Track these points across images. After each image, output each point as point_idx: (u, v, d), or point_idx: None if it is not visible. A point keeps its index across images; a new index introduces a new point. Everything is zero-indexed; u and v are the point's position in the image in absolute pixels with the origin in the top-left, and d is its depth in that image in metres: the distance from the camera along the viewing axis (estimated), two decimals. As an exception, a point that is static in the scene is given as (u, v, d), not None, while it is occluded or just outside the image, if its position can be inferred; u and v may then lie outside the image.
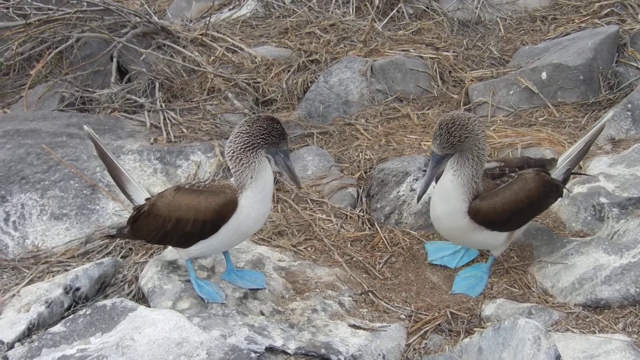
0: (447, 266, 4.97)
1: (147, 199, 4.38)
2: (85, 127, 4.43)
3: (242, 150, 4.03)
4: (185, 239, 4.18)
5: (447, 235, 4.74)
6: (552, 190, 4.65)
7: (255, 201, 4.09)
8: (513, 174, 4.58)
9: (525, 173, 4.58)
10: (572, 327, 4.15)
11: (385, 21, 8.20)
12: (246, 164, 4.03)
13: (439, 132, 4.27)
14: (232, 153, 4.06)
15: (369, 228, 5.32)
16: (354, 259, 4.96)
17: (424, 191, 4.56)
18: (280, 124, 4.10)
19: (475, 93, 6.88)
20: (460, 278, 4.82)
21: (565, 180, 4.84)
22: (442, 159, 4.37)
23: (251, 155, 4.03)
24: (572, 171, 4.85)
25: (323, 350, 3.96)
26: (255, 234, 4.92)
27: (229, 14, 8.83)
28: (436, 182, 4.64)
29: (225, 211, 4.06)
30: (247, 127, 4.04)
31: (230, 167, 4.12)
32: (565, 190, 4.83)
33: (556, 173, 4.74)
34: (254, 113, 6.61)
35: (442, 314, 4.43)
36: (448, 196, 4.46)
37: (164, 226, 4.16)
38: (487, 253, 4.84)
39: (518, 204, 4.46)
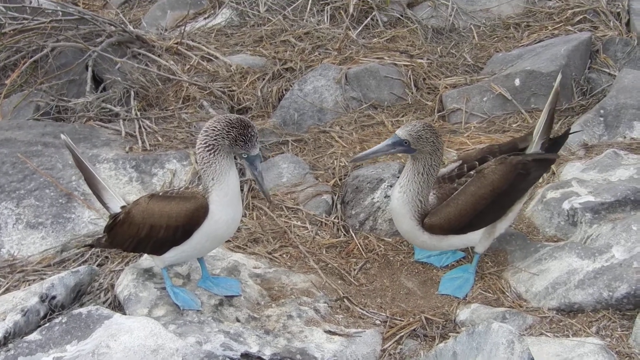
0: (433, 265, 4.98)
1: (122, 207, 4.38)
2: (62, 136, 4.40)
3: (203, 149, 3.99)
4: (158, 246, 4.18)
5: (421, 247, 4.76)
6: (529, 168, 4.55)
7: (222, 205, 4.07)
8: (472, 172, 4.58)
9: (484, 168, 4.55)
10: (546, 331, 4.18)
11: (359, 29, 8.22)
12: (207, 164, 4.00)
13: (414, 122, 4.37)
14: (197, 151, 4.03)
15: (344, 235, 5.33)
16: (329, 265, 4.98)
17: (361, 158, 4.68)
18: (241, 126, 3.93)
19: (449, 100, 6.92)
20: (447, 279, 4.82)
21: (553, 147, 4.71)
22: (398, 143, 4.39)
23: (210, 156, 3.98)
24: (552, 137, 4.70)
25: (298, 356, 3.98)
26: (230, 241, 4.94)
27: (204, 22, 8.83)
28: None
29: (196, 216, 4.06)
30: (206, 128, 3.99)
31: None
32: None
33: (533, 147, 4.65)
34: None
35: (417, 320, 4.46)
36: (398, 215, 4.55)
37: (138, 233, 4.17)
38: (472, 252, 4.85)
39: (481, 202, 4.46)
